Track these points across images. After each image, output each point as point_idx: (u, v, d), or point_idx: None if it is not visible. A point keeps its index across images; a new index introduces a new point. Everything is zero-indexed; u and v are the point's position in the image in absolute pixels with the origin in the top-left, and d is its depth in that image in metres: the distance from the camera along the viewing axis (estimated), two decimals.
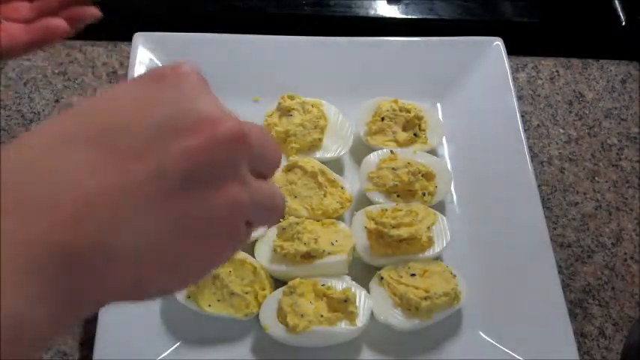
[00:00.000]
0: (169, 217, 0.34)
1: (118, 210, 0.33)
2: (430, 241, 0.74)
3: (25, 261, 0.31)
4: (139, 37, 0.86)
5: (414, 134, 0.83)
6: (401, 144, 0.82)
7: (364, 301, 0.70)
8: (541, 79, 0.95)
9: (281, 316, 0.69)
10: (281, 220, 0.74)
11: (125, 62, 0.92)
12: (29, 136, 0.34)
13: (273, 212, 0.40)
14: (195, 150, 0.34)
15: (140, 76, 0.37)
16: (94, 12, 0.59)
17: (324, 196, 0.77)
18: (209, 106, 0.35)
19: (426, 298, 0.69)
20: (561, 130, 0.90)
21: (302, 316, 0.68)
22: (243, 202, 0.36)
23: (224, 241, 0.37)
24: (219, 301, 0.70)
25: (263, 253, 0.74)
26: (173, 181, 0.33)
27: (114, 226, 0.33)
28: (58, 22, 0.58)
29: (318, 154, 0.81)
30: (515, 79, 0.92)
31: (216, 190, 0.35)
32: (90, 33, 0.93)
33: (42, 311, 0.32)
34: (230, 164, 0.35)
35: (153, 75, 0.36)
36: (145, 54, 0.85)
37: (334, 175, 0.79)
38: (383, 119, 0.82)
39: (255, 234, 0.75)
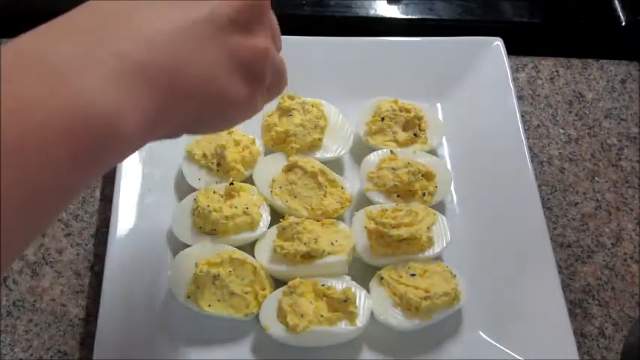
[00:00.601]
0: (223, 50, 0.44)
1: (187, 43, 0.42)
2: (430, 241, 0.74)
3: (114, 69, 0.38)
4: None
5: (414, 134, 0.83)
6: (401, 144, 0.82)
7: (364, 301, 0.70)
8: (541, 79, 0.95)
9: (281, 316, 0.69)
10: (281, 221, 0.74)
11: None
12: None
13: (282, 78, 0.51)
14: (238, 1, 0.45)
15: None
16: None
17: (324, 196, 0.77)
18: None
19: (426, 298, 0.69)
20: (561, 130, 0.90)
21: (302, 316, 0.68)
22: (272, 51, 0.47)
23: (255, 85, 0.47)
24: (219, 301, 0.70)
25: (263, 253, 0.74)
26: (224, 21, 0.44)
27: (185, 55, 0.41)
28: None
29: (318, 154, 0.81)
30: (515, 79, 0.92)
31: (253, 36, 0.46)
32: None
33: (131, 107, 0.38)
34: (262, 19, 0.47)
35: None
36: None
37: (334, 175, 0.79)
38: (383, 119, 0.82)
39: (254, 234, 0.75)
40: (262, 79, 0.48)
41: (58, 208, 0.39)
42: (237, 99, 0.46)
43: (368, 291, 0.72)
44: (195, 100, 0.43)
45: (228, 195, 0.75)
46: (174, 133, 0.46)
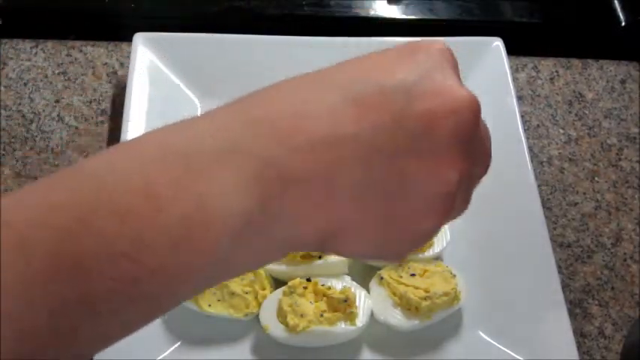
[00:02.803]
0: (391, 172, 0.34)
1: (346, 151, 0.34)
2: (430, 241, 0.74)
3: (252, 172, 0.33)
4: (139, 37, 0.86)
5: None
6: None
7: (364, 301, 0.70)
8: (541, 79, 0.95)
9: (281, 316, 0.69)
10: None
11: (125, 62, 0.92)
12: (284, 81, 0.37)
13: (466, 202, 0.41)
14: (431, 112, 0.35)
15: (396, 46, 0.38)
16: None
17: None
18: (453, 80, 0.38)
19: (426, 298, 0.69)
20: (561, 131, 0.90)
21: (302, 316, 0.68)
22: (464, 183, 0.37)
23: (432, 218, 0.37)
24: (219, 301, 0.70)
25: None
26: (406, 137, 0.34)
27: (335, 168, 0.34)
28: None
29: None
30: (515, 79, 0.92)
31: (441, 165, 0.35)
32: (90, 33, 0.95)
33: (262, 216, 0.33)
34: (462, 136, 0.36)
35: (408, 45, 0.38)
36: (145, 54, 0.85)
37: None
38: None
39: None
40: (447, 214, 0.37)
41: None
42: (405, 233, 0.37)
43: (368, 291, 0.72)
44: (342, 224, 0.35)
45: None
46: (312, 247, 0.38)
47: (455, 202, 0.37)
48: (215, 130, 0.34)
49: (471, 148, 0.37)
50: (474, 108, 0.37)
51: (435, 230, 0.38)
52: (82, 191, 0.31)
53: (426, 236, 0.38)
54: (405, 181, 0.35)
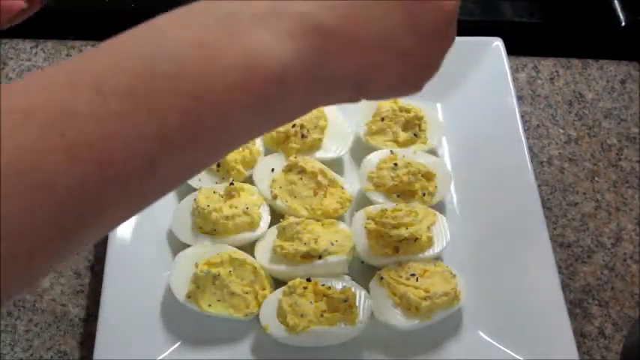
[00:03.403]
0: (405, 12, 0.42)
1: (366, 4, 0.41)
2: (430, 241, 0.74)
3: (289, 28, 0.38)
4: None
5: (414, 134, 0.83)
6: (401, 144, 0.82)
7: (364, 301, 0.70)
8: (541, 79, 0.95)
9: (281, 316, 0.69)
10: (281, 221, 0.74)
11: None
12: None
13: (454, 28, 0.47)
14: None
15: None
16: (19, 4, 0.60)
17: (324, 196, 0.77)
18: None
19: (426, 298, 0.69)
20: (561, 131, 0.90)
21: (302, 316, 0.68)
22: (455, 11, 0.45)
23: (439, 45, 0.46)
24: (219, 301, 0.70)
25: (263, 253, 0.74)
26: None
27: (363, 16, 0.41)
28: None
29: (318, 154, 0.81)
30: (515, 80, 0.92)
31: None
32: (90, 33, 0.95)
33: (301, 67, 0.39)
34: None
35: None
36: None
37: (334, 175, 0.79)
38: (383, 119, 0.82)
39: (254, 234, 0.75)
40: (448, 41, 0.47)
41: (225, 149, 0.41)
42: (420, 61, 0.45)
43: (368, 291, 0.72)
44: (372, 65, 0.42)
45: (228, 195, 0.75)
46: (350, 98, 0.45)
47: (451, 36, 0.46)
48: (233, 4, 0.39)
49: None
50: None
51: (443, 55, 0.47)
52: (145, 45, 0.37)
53: (437, 62, 0.47)
54: (415, 19, 0.43)
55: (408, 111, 0.83)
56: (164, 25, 0.38)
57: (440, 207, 0.80)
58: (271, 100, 0.39)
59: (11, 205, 0.32)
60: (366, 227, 0.74)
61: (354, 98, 0.45)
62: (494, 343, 0.71)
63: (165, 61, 0.36)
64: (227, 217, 0.73)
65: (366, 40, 0.41)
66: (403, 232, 0.73)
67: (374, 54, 0.42)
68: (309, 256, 0.72)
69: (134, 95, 0.35)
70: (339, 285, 0.71)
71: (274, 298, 0.71)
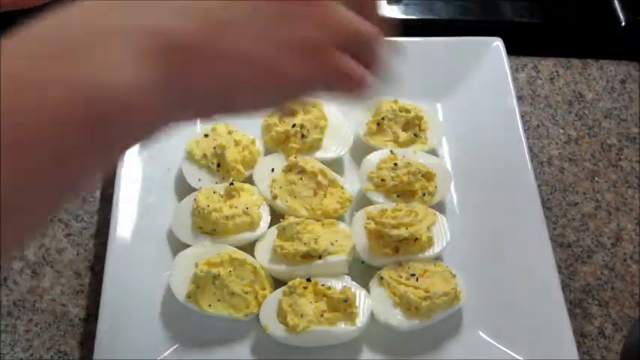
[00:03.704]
0: (267, 22, 0.39)
1: (223, 13, 0.38)
2: (430, 241, 0.74)
3: (143, 44, 0.35)
4: None
5: (414, 134, 0.83)
6: (401, 144, 0.82)
7: (364, 301, 0.70)
8: (541, 79, 0.95)
9: (281, 316, 0.69)
10: (281, 221, 0.74)
11: None
12: None
13: (371, 50, 0.43)
14: None
15: None
16: None
17: (324, 196, 0.77)
18: None
19: (426, 298, 0.69)
20: (561, 131, 0.90)
21: (302, 316, 0.68)
22: (334, 18, 0.41)
23: (314, 59, 0.41)
24: (219, 301, 0.70)
25: (263, 253, 0.74)
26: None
27: (220, 28, 0.38)
28: None
29: (318, 154, 0.81)
30: (515, 79, 0.92)
31: (307, 3, 0.40)
32: None
33: (154, 84, 0.36)
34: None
35: None
36: None
37: (334, 175, 0.79)
38: (383, 119, 0.82)
39: (254, 234, 0.75)
40: (323, 53, 0.41)
41: (66, 192, 0.38)
42: (288, 76, 0.41)
43: (368, 291, 0.72)
44: (227, 78, 0.39)
45: (228, 195, 0.75)
46: (210, 113, 0.42)
47: (326, 47, 0.41)
48: (104, 10, 0.36)
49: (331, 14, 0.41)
50: None
51: (306, 74, 0.42)
52: None
53: (303, 81, 0.42)
54: (277, 27, 0.39)
55: (408, 111, 0.83)
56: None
57: (440, 207, 0.80)
58: (126, 116, 0.36)
59: None
60: (366, 227, 0.74)
61: (215, 113, 0.42)
62: (494, 343, 0.71)
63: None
64: (227, 217, 0.73)
65: (222, 52, 0.38)
66: (403, 232, 0.73)
67: (230, 66, 0.39)
68: (309, 256, 0.72)
69: None
70: (339, 285, 0.71)
71: (274, 298, 0.71)
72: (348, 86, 0.44)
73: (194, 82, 0.38)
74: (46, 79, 0.34)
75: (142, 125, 0.38)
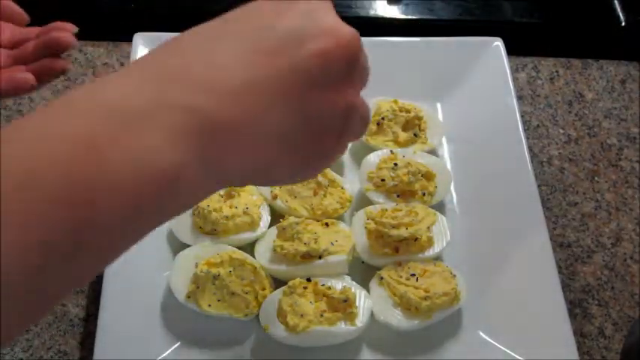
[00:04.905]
0: (298, 108, 0.39)
1: (260, 99, 0.38)
2: (430, 241, 0.74)
3: (180, 124, 0.36)
4: (138, 37, 0.86)
5: (414, 134, 0.83)
6: (401, 144, 0.82)
7: (364, 301, 0.70)
8: (541, 79, 0.95)
9: (281, 316, 0.69)
10: (281, 221, 0.74)
11: (125, 62, 0.92)
12: (186, 35, 0.41)
13: (365, 122, 0.45)
14: (324, 50, 0.40)
15: None
16: (63, 64, 0.58)
17: (324, 196, 0.77)
18: (334, 19, 0.42)
19: (426, 298, 0.69)
20: (561, 131, 0.90)
21: (302, 316, 0.68)
22: (356, 107, 0.43)
23: (335, 141, 0.43)
24: (219, 301, 0.70)
25: (263, 253, 0.74)
26: (304, 77, 0.39)
27: (257, 111, 0.38)
28: (24, 77, 0.56)
29: None
30: (515, 79, 0.92)
31: (337, 93, 0.41)
32: (90, 33, 0.95)
33: (193, 166, 0.37)
34: (351, 72, 0.42)
35: None
36: (145, 54, 0.85)
37: (334, 175, 0.79)
38: (383, 119, 0.82)
39: (254, 234, 0.75)
40: (341, 136, 0.43)
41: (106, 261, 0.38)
42: (315, 155, 0.43)
43: (368, 291, 0.72)
44: (266, 159, 0.40)
45: (228, 195, 0.75)
46: (249, 183, 0.44)
47: (353, 119, 0.43)
48: (137, 85, 0.37)
49: (359, 70, 0.43)
50: (357, 39, 0.43)
51: (342, 146, 0.44)
52: (26, 142, 0.34)
53: (335, 152, 0.44)
54: (311, 113, 0.40)
55: (408, 111, 0.83)
56: (49, 120, 0.36)
57: (440, 207, 0.80)
58: (165, 199, 0.37)
59: None
60: (366, 227, 0.74)
61: (253, 184, 0.44)
62: (494, 343, 0.71)
63: (51, 167, 0.33)
64: (227, 217, 0.73)
65: (258, 136, 0.39)
66: (403, 232, 0.73)
67: (266, 150, 0.40)
68: (309, 256, 0.72)
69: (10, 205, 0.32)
70: (339, 285, 0.71)
71: (274, 298, 0.71)
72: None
73: (233, 161, 0.39)
74: (101, 147, 0.35)
75: (190, 194, 0.39)
